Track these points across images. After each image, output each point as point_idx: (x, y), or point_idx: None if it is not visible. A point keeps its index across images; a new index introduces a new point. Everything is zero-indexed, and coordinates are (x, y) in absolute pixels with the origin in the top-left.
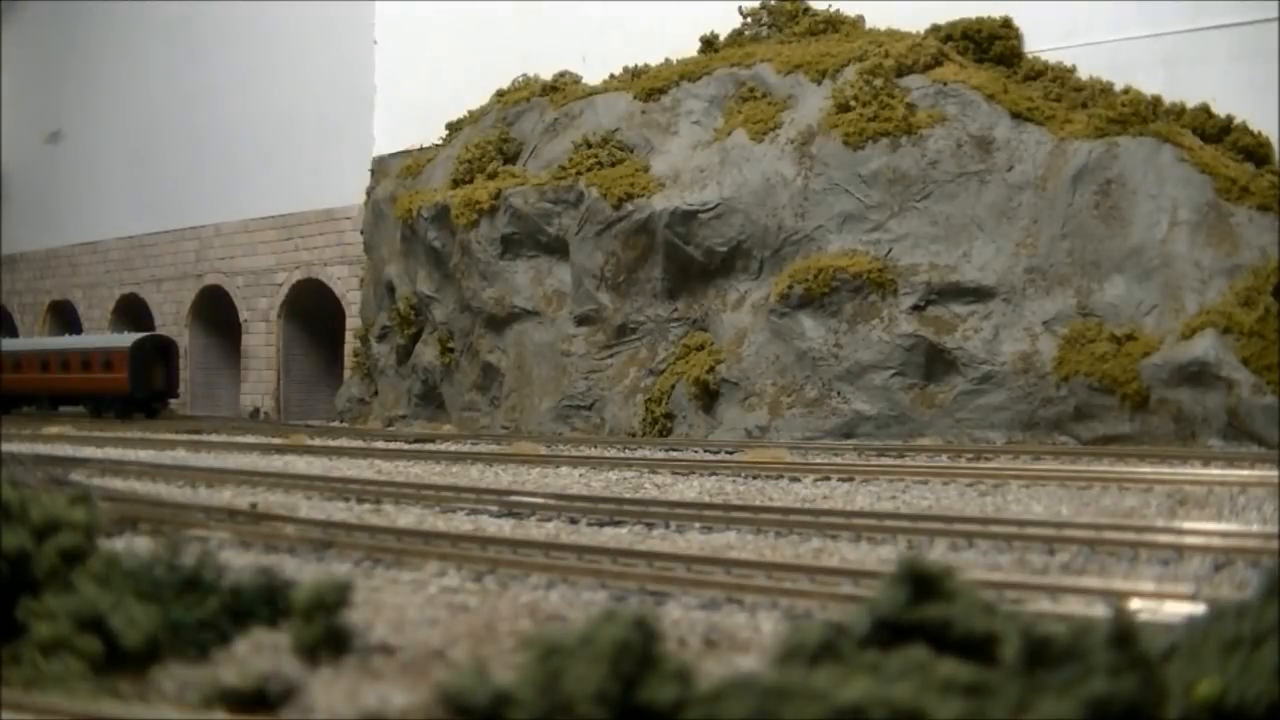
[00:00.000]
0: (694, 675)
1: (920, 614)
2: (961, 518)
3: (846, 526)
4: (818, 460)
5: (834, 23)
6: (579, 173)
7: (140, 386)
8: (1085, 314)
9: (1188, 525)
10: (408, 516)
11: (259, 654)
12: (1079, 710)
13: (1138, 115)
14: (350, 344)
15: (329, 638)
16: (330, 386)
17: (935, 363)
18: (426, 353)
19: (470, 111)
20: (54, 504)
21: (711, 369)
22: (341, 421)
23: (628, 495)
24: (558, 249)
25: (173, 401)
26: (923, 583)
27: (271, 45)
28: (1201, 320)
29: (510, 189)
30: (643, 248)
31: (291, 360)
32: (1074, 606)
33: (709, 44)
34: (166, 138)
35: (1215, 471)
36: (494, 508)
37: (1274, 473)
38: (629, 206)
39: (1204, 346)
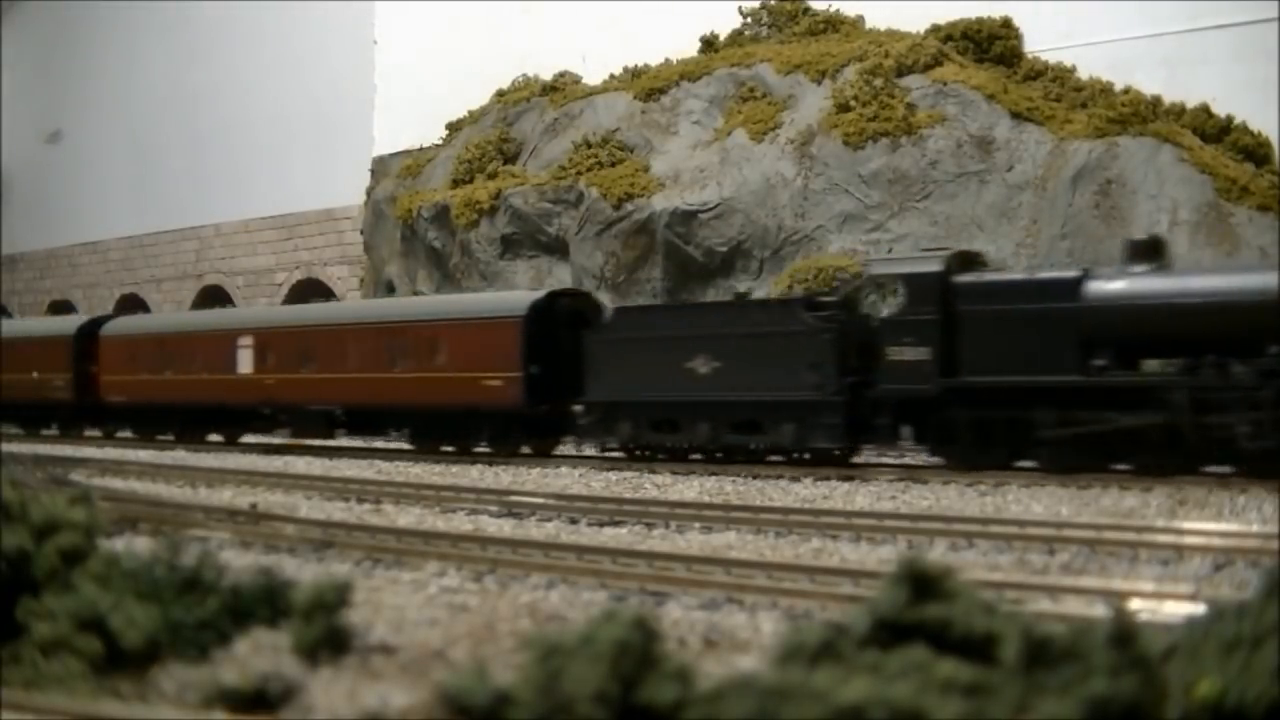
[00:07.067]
0: (694, 675)
1: (920, 614)
2: (961, 518)
3: (846, 526)
4: None
5: (834, 23)
6: (579, 173)
7: None
8: None
9: (1188, 525)
10: (408, 516)
11: (259, 654)
12: (1079, 710)
13: (1138, 115)
14: None
15: (329, 638)
16: None
17: None
18: None
19: (470, 111)
20: (54, 504)
21: None
22: None
23: (628, 495)
24: (558, 249)
25: None
26: (923, 583)
27: (272, 45)
28: None
29: (510, 189)
30: (643, 248)
31: None
32: (1074, 606)
33: (709, 44)
34: (167, 138)
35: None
36: (494, 508)
37: None
38: (629, 206)
39: None
